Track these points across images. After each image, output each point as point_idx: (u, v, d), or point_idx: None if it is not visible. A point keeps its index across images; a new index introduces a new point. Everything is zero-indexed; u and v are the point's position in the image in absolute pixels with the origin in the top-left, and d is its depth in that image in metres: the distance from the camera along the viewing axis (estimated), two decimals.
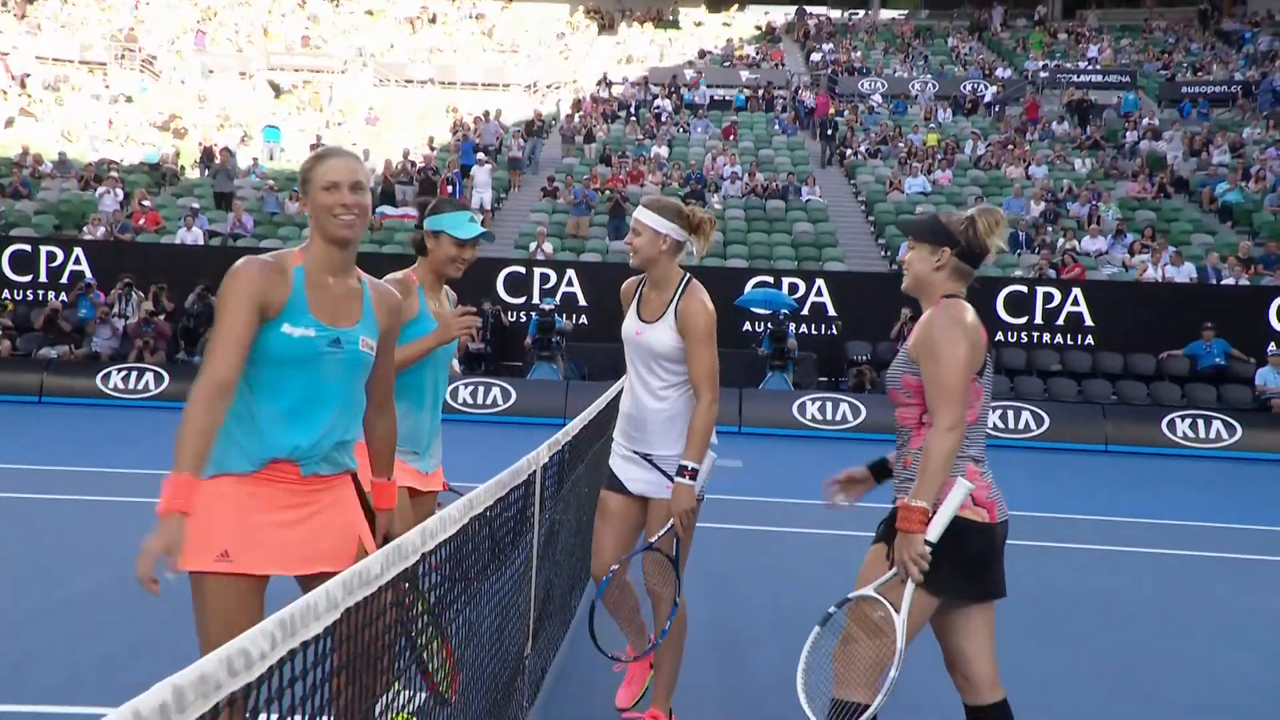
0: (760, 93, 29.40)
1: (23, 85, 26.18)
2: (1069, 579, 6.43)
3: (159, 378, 13.51)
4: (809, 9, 40.80)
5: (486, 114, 24.68)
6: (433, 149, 22.92)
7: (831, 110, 25.94)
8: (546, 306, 15.14)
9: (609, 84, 29.66)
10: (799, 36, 36.14)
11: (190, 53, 30.97)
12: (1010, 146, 24.68)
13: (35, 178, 20.20)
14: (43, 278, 16.01)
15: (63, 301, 15.17)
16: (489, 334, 15.13)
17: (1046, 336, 16.13)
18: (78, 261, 16.04)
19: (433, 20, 36.41)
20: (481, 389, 13.90)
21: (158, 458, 8.97)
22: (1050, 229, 19.65)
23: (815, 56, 33.17)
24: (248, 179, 21.10)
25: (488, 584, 2.71)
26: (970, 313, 2.69)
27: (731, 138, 25.55)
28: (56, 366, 13.81)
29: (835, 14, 40.95)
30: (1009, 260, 18.23)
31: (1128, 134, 25.88)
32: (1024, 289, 16.24)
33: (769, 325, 14.78)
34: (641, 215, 3.41)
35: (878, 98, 29.46)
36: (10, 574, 5.39)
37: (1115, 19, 39.78)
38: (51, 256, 16.03)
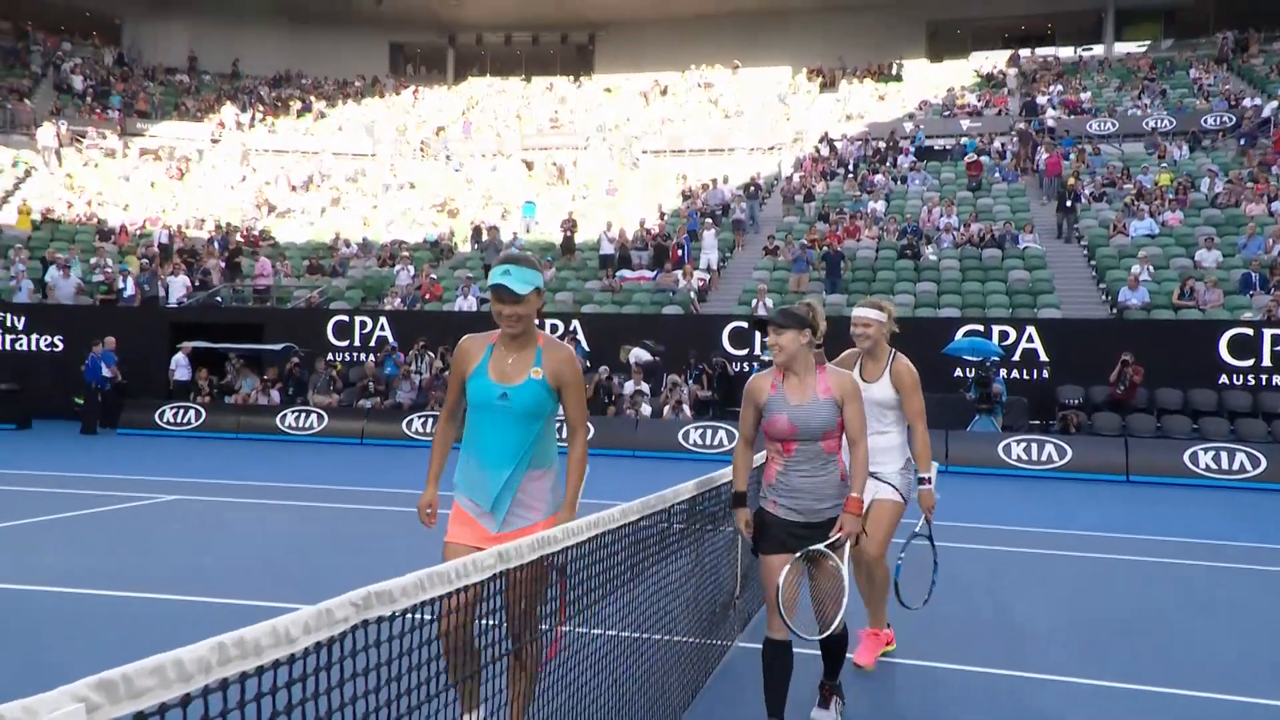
0: (980, 140, 29.85)
1: (292, 189, 31.13)
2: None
3: None
4: (1036, 50, 40.54)
5: (714, 180, 26.92)
6: (663, 216, 25.38)
7: (1071, 179, 24.35)
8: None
9: (829, 142, 31.17)
10: (1016, 85, 35.92)
11: (458, 140, 35.62)
12: (1253, 182, 23.81)
13: (345, 259, 24.44)
14: (356, 342, 19.68)
15: (373, 361, 18.64)
16: (716, 383, 17.08)
17: (1277, 379, 15.90)
18: (382, 328, 19.59)
19: (664, 92, 39.49)
20: (709, 431, 15.80)
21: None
22: None
23: (1041, 99, 33.08)
24: (509, 250, 24.36)
25: (709, 538, 4.46)
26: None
27: (973, 177, 26.24)
28: (371, 414, 17.17)
29: (1065, 52, 40.35)
30: (1239, 302, 17.98)
31: None
32: (1249, 331, 16.12)
33: (976, 371, 15.69)
34: (868, 312, 4.88)
35: (1092, 133, 29.01)
36: (357, 556, 7.75)
37: None
38: (363, 324, 19.69)
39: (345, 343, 19.69)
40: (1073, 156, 27.19)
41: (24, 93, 34.79)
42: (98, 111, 35.13)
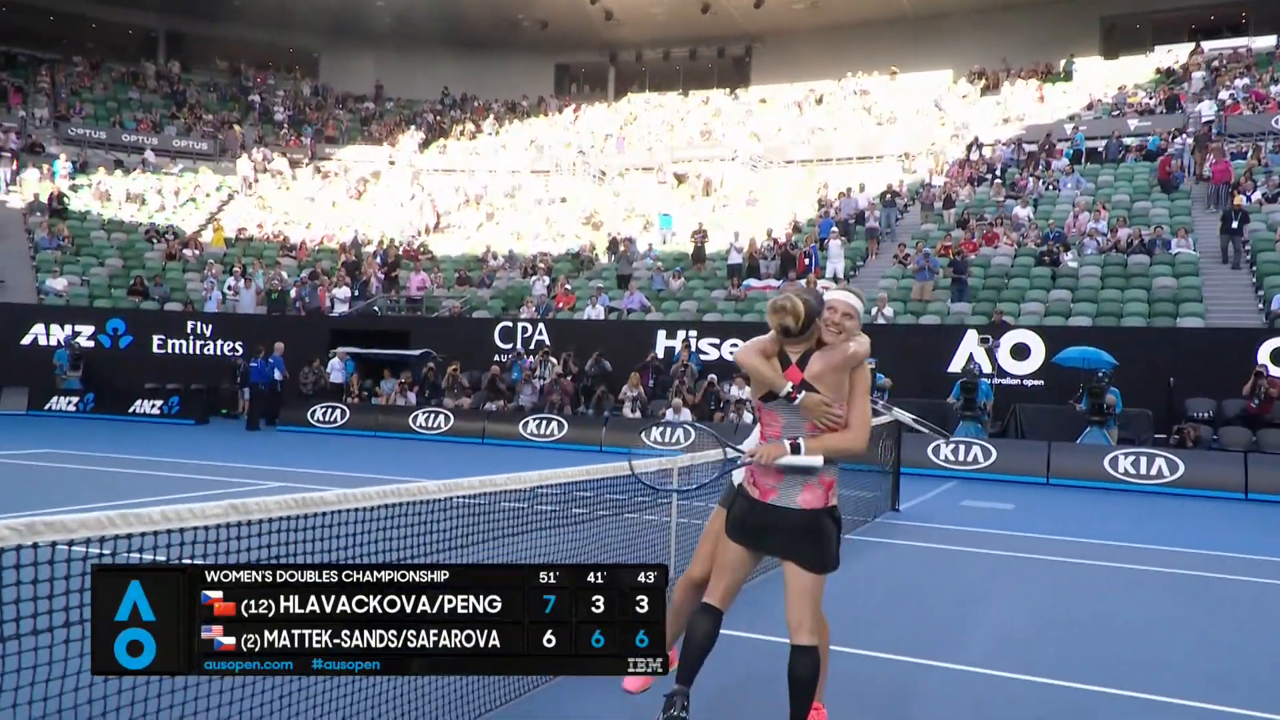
0: (1144, 140, 28.09)
1: (435, 214, 32.91)
2: None
3: (561, 425, 17.43)
4: (1225, 41, 37.46)
5: (849, 189, 26.74)
6: (797, 227, 25.45)
7: (1241, 200, 21.32)
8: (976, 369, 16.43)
9: (979, 146, 30.19)
10: (1202, 81, 33.32)
11: (612, 154, 36.88)
12: None
13: (493, 271, 25.99)
14: (489, 348, 20.97)
15: (499, 365, 19.85)
16: None
17: None
18: (514, 335, 20.78)
19: (818, 101, 39.28)
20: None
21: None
22: None
23: (1223, 95, 30.69)
24: (643, 261, 25.20)
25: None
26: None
27: (1164, 176, 24.75)
28: (492, 416, 18.36)
29: (1262, 43, 37.06)
30: None
31: None
32: None
33: (1090, 382, 15.03)
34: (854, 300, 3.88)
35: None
36: None
37: None
38: (504, 332, 20.98)
39: (480, 348, 21.02)
40: (1249, 155, 25.18)
41: (235, 123, 38.95)
42: (292, 139, 38.78)
